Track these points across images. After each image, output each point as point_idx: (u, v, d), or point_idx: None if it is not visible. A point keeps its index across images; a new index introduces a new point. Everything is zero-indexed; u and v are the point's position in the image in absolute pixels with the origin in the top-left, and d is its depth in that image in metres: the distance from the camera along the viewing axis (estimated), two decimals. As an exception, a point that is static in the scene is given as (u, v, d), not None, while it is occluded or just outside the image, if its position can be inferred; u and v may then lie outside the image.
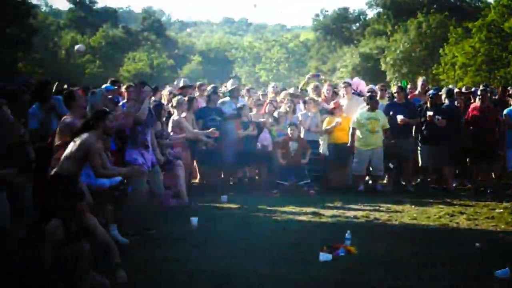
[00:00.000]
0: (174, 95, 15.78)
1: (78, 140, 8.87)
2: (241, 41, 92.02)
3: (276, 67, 66.34)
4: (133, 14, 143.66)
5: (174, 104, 14.92)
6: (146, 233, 11.18)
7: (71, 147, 8.94)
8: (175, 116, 14.72)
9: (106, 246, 8.29)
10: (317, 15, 67.73)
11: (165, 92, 16.73)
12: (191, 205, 13.53)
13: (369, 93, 16.90)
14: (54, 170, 8.82)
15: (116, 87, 14.88)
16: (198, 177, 16.58)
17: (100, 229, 8.39)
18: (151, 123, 11.83)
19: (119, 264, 8.27)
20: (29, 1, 35.88)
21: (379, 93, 17.34)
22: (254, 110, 16.80)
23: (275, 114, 16.51)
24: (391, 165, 16.18)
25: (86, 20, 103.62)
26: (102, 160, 8.81)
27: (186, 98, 15.29)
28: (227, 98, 16.72)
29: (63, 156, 8.95)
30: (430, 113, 15.77)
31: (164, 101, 15.77)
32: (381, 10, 67.76)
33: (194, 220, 11.77)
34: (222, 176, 16.63)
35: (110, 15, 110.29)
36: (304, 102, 16.93)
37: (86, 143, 8.69)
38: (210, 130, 14.84)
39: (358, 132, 15.91)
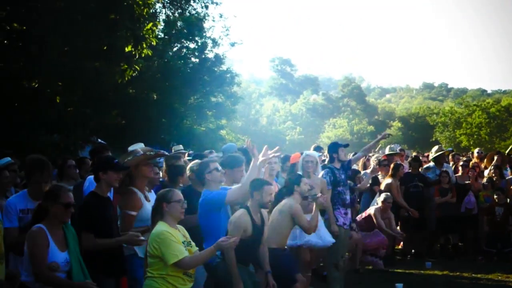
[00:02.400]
0: (379, 161, 15.94)
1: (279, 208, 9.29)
2: (441, 106, 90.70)
3: (477, 132, 64.78)
4: (333, 81, 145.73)
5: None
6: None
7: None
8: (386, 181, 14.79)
9: None
10: (520, 79, 65.83)
11: (372, 159, 16.88)
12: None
13: None
14: None
15: (320, 153, 15.31)
16: (402, 243, 16.52)
17: None
18: (347, 183, 11.94)
19: None
20: (233, 70, 37.26)
21: None
22: (460, 173, 16.53)
23: (484, 180, 16.23)
24: None
25: (287, 87, 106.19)
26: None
27: (392, 165, 15.37)
28: (432, 164, 16.63)
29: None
30: None
31: (369, 167, 16.02)
32: None
33: (399, 286, 11.78)
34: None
35: (311, 82, 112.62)
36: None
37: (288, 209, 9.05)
38: None
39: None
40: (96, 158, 8.89)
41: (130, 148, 11.03)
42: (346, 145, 12.07)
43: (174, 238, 6.73)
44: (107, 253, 7.34)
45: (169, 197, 6.90)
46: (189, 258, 6.76)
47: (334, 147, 11.90)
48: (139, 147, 11.20)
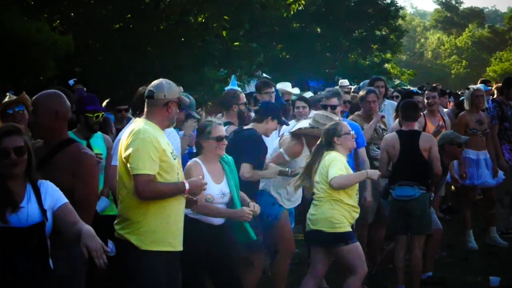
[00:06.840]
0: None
1: None
2: None
3: None
4: (499, 13, 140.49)
5: None
6: None
7: None
8: None
9: None
10: None
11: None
12: None
13: None
14: None
15: (489, 88, 14.60)
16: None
17: None
18: None
19: None
20: (397, 3, 36.56)
21: None
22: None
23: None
24: None
25: (452, 20, 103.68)
26: None
27: None
28: None
29: None
30: None
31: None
32: None
33: None
34: None
35: (476, 14, 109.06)
36: None
37: None
38: None
39: None
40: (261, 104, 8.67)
41: (279, 86, 11.05)
42: None
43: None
44: None
45: (339, 131, 7.07)
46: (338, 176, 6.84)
47: (509, 83, 11.55)
48: (285, 86, 11.26)
